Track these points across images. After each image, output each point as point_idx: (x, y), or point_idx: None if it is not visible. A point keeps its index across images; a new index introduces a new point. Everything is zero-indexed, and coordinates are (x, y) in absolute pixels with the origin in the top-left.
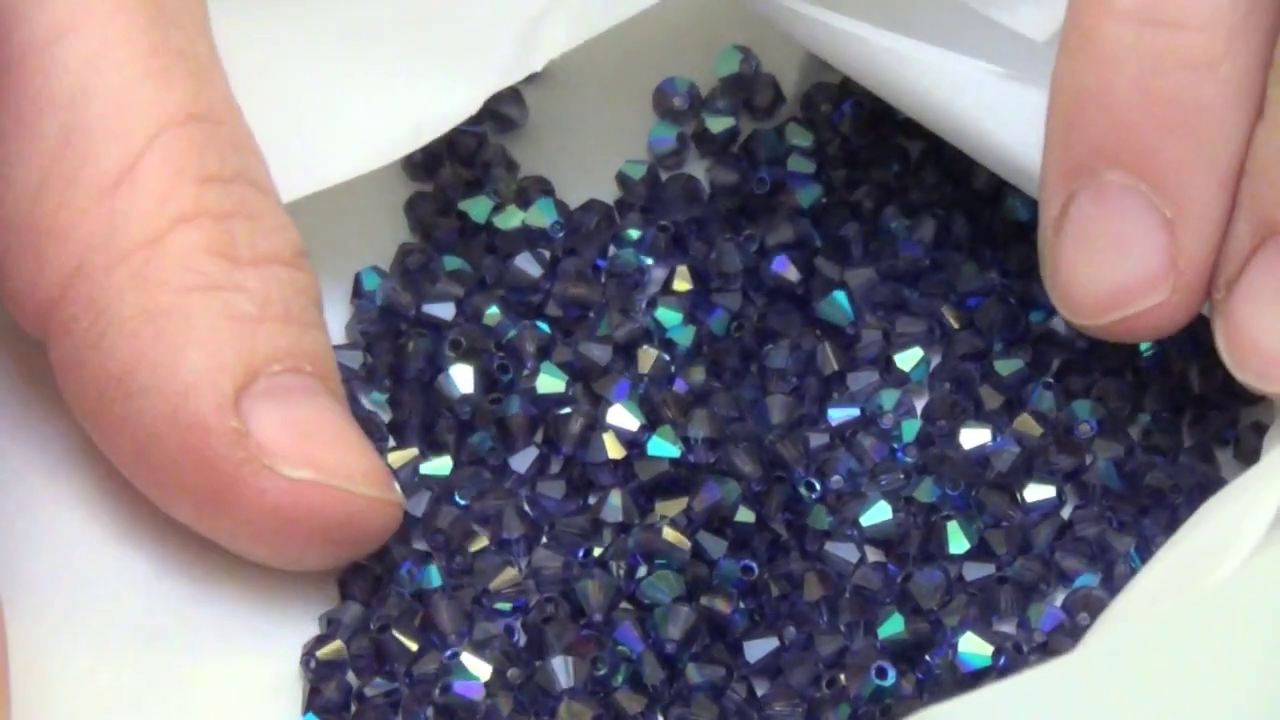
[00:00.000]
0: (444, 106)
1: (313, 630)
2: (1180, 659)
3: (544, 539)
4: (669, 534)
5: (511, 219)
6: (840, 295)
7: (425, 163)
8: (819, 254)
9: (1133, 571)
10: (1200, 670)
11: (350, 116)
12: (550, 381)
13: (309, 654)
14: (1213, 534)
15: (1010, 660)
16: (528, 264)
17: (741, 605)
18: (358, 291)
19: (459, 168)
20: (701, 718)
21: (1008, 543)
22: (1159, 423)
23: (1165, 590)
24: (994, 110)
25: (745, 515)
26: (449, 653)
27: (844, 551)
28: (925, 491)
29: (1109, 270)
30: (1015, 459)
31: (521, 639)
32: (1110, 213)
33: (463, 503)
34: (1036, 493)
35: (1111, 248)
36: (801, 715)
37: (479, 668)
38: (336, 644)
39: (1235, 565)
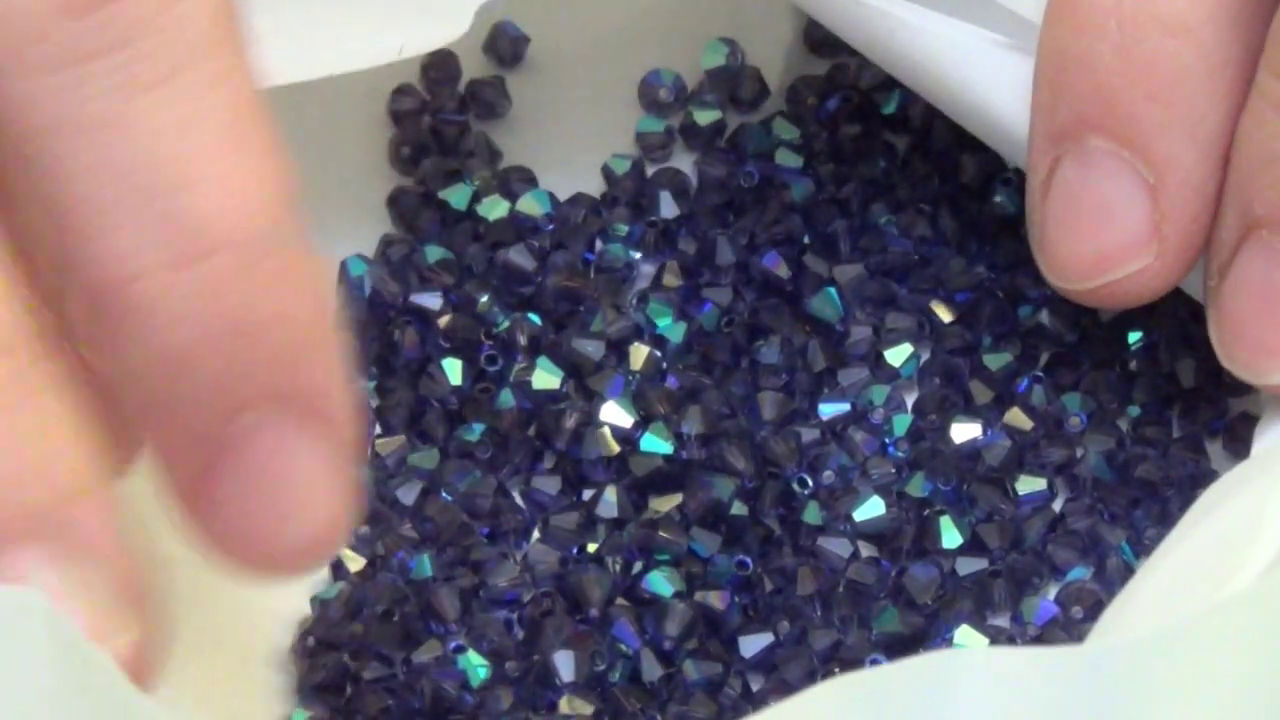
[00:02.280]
0: (429, 29)
1: (305, 613)
2: (1199, 667)
3: (537, 534)
4: (667, 529)
5: (497, 208)
6: (831, 291)
7: (412, 155)
8: (808, 250)
9: (1124, 564)
10: (1220, 682)
11: (330, 31)
12: (546, 377)
13: (302, 637)
14: (1226, 531)
15: None
16: (521, 256)
17: (736, 601)
18: (343, 279)
19: (442, 159)
20: (700, 715)
21: (1000, 536)
22: (1149, 415)
23: (1181, 591)
24: (996, 80)
25: (739, 511)
26: (453, 645)
27: (837, 546)
28: (917, 486)
29: (1093, 235)
30: (1006, 453)
31: (519, 632)
32: (1094, 178)
33: (449, 498)
34: (1027, 486)
35: (1096, 213)
36: None
37: (478, 659)
38: (330, 627)
39: (1258, 569)
